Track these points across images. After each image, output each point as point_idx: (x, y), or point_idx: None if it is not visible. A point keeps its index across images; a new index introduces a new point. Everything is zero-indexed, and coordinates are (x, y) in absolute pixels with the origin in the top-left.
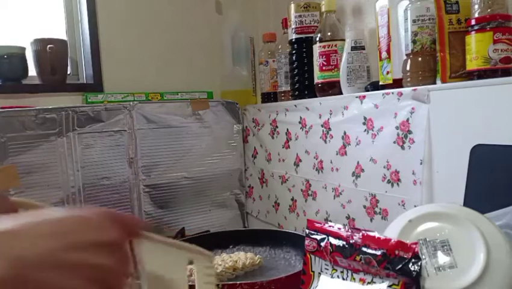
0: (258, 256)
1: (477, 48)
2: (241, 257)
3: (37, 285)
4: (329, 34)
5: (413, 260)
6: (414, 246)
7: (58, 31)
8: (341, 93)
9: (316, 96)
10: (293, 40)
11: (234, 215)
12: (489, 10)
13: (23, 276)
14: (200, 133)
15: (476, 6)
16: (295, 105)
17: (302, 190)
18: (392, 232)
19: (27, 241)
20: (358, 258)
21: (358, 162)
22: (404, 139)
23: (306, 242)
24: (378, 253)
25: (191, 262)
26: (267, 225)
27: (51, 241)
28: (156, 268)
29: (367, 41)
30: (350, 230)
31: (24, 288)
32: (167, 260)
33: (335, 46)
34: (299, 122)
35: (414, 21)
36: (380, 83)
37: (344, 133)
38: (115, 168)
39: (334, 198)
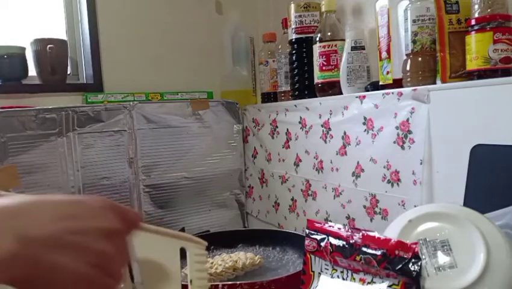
0: (258, 256)
1: (477, 48)
2: (241, 257)
3: (46, 265)
4: (329, 34)
5: (413, 260)
6: (414, 246)
7: (58, 31)
8: (341, 93)
9: (316, 96)
10: (293, 40)
11: (234, 215)
12: (489, 10)
13: (34, 255)
14: (200, 133)
15: (476, 6)
16: (295, 105)
17: (302, 190)
18: (392, 232)
19: (34, 220)
20: (358, 258)
21: (358, 162)
22: (404, 139)
23: (306, 242)
24: (378, 253)
25: (183, 250)
26: (267, 225)
27: (57, 223)
28: (149, 256)
29: (367, 41)
30: (350, 230)
31: (35, 267)
32: (160, 248)
33: (335, 46)
34: (299, 122)
35: (414, 21)
36: (380, 83)
37: (344, 133)
38: (115, 168)
39: (334, 198)
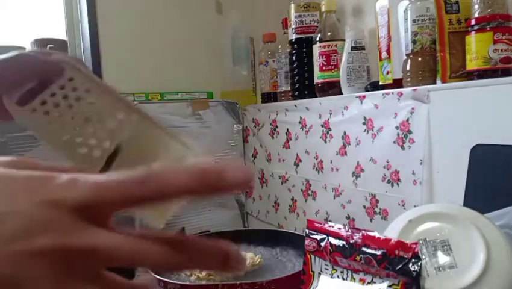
0: (258, 256)
1: (477, 48)
2: None
3: None
4: (329, 34)
5: (413, 260)
6: (414, 246)
7: (58, 31)
8: (341, 93)
9: (316, 96)
10: (293, 40)
11: (234, 215)
12: (489, 10)
13: None
14: (200, 133)
15: (476, 6)
16: (295, 105)
17: (302, 190)
18: (392, 232)
19: None
20: (358, 258)
21: (358, 162)
22: (404, 139)
23: (306, 242)
24: (378, 253)
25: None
26: (267, 225)
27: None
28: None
29: (367, 41)
30: (350, 230)
31: None
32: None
33: (335, 46)
34: (299, 122)
35: (414, 21)
36: (380, 83)
37: (344, 133)
38: None
39: (334, 198)
